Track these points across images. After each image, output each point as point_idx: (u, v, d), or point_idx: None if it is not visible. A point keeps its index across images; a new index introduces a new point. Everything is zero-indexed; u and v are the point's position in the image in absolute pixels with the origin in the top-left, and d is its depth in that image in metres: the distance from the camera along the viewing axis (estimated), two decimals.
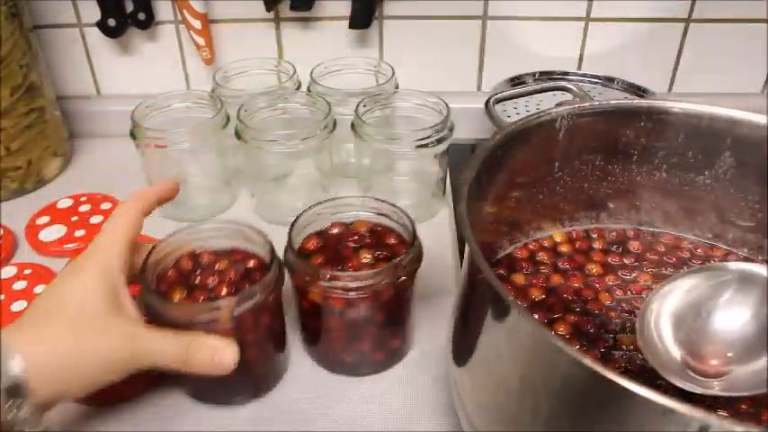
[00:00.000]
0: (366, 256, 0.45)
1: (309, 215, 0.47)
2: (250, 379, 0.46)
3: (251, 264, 0.45)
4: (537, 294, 0.42)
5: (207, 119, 0.61)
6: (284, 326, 0.48)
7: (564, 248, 0.46)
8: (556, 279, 0.43)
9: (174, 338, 0.38)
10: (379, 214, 0.48)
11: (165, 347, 0.37)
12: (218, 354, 0.38)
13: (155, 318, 0.40)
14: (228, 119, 0.62)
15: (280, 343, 0.48)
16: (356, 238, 0.47)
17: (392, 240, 0.47)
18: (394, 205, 0.47)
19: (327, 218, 0.48)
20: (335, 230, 0.48)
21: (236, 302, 0.40)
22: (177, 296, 0.42)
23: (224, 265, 0.45)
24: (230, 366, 0.38)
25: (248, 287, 0.41)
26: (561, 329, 0.40)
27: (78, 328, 0.35)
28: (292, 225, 0.46)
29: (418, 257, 0.45)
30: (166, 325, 0.39)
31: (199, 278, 0.44)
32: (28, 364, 0.33)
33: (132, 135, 0.60)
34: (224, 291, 0.43)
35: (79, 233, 0.61)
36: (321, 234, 0.48)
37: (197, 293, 0.43)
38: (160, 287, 0.43)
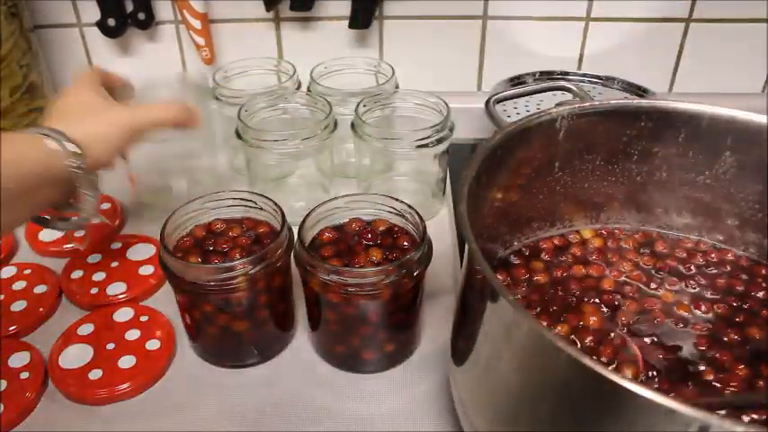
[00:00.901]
0: (375, 255, 0.46)
1: (326, 209, 0.48)
2: (261, 339, 0.49)
3: (261, 230, 0.49)
4: (535, 295, 0.42)
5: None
6: (292, 299, 0.51)
7: (563, 249, 0.46)
8: (555, 279, 0.43)
9: (154, 104, 0.52)
10: (396, 214, 0.49)
11: (151, 107, 0.50)
12: (192, 109, 0.52)
13: (174, 279, 0.45)
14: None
15: (289, 310, 0.50)
16: (370, 236, 0.47)
17: (405, 243, 0.47)
18: (411, 207, 0.48)
19: (345, 213, 0.49)
20: (353, 226, 0.49)
21: (251, 263, 0.44)
22: (193, 261, 0.46)
23: (236, 233, 0.48)
24: (198, 121, 0.52)
25: (260, 251, 0.44)
26: (562, 330, 0.40)
27: (94, 115, 0.47)
28: (307, 216, 0.47)
29: (421, 261, 0.45)
30: (186, 287, 0.45)
31: (213, 245, 0.47)
32: (75, 138, 0.44)
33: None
34: (236, 255, 0.46)
35: (79, 233, 0.61)
36: (338, 228, 0.49)
37: (212, 258, 0.46)
38: (176, 254, 0.46)
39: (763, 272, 0.44)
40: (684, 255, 0.45)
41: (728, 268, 0.45)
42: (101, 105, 0.48)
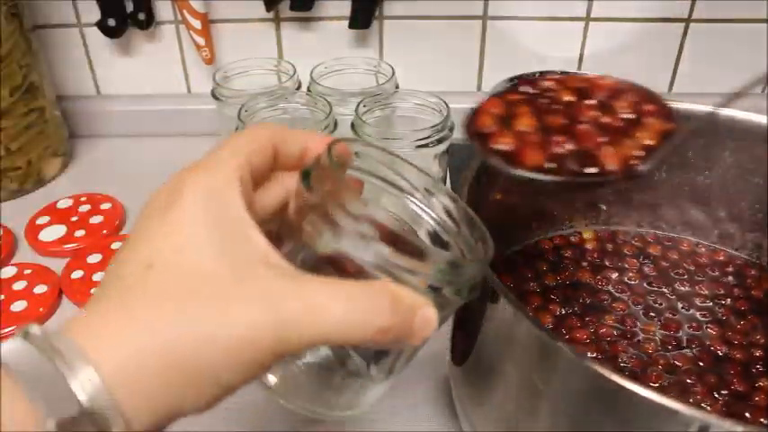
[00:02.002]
0: None
1: None
2: None
3: None
4: (537, 295, 0.42)
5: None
6: None
7: (563, 249, 0.46)
8: (554, 279, 0.43)
9: (366, 290, 0.23)
10: None
11: (354, 305, 0.22)
12: (423, 311, 0.24)
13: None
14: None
15: None
16: None
17: None
18: None
19: None
20: None
21: None
22: None
23: None
24: (433, 330, 0.24)
25: None
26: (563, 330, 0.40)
27: (186, 298, 0.22)
28: None
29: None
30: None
31: None
32: (105, 374, 0.20)
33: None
34: None
35: (79, 233, 0.61)
36: None
37: None
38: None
39: (758, 273, 0.44)
40: (684, 255, 0.45)
41: (730, 269, 0.45)
42: (217, 273, 0.22)
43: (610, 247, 0.46)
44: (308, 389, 0.28)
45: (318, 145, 0.27)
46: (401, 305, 0.23)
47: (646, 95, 0.32)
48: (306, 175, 0.26)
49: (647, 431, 0.25)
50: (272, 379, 0.27)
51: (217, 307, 0.21)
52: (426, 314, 0.23)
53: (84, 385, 0.19)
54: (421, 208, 0.31)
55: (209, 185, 0.24)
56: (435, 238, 0.30)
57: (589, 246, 0.46)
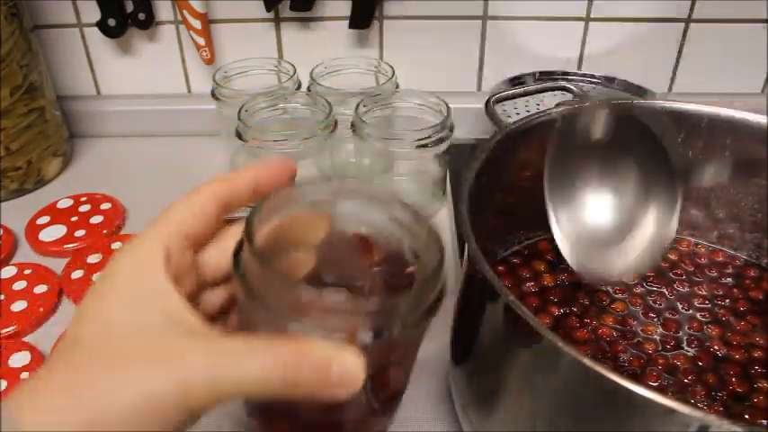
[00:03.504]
0: None
1: None
2: None
3: None
4: (535, 296, 0.42)
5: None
6: None
7: None
8: (553, 279, 0.43)
9: (264, 342, 0.24)
10: None
11: (252, 358, 0.24)
12: (339, 363, 0.24)
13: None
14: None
15: None
16: None
17: None
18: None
19: None
20: None
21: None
22: None
23: None
24: (358, 382, 0.24)
25: None
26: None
27: (101, 368, 0.23)
28: None
29: None
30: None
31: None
32: None
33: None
34: None
35: (79, 233, 0.61)
36: None
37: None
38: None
39: (758, 273, 0.44)
40: (683, 255, 0.45)
41: (730, 269, 0.45)
42: (149, 334, 0.24)
43: None
44: None
45: (266, 174, 0.29)
46: (307, 359, 0.23)
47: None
48: (236, 264, 0.27)
49: (646, 431, 0.25)
50: None
51: (122, 371, 0.23)
52: (344, 367, 0.24)
53: None
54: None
55: (133, 259, 0.27)
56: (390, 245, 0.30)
57: None
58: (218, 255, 0.29)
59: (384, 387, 0.29)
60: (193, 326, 0.25)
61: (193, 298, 0.28)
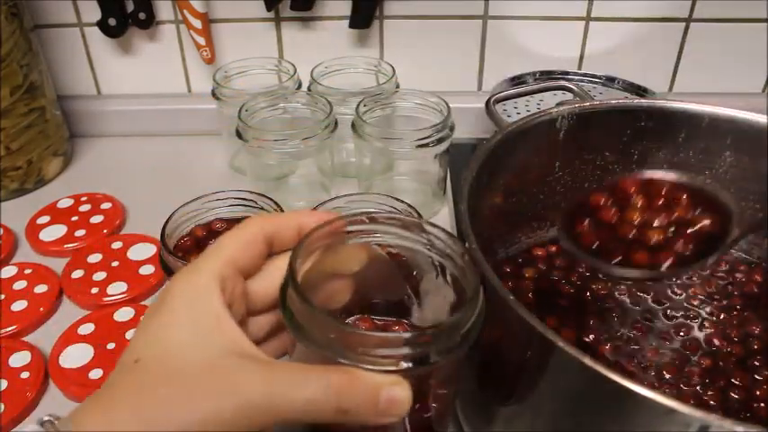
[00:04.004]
0: None
1: (326, 208, 0.48)
2: None
3: None
4: (535, 296, 0.42)
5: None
6: None
7: (564, 249, 0.46)
8: (552, 280, 0.43)
9: (318, 371, 0.26)
10: (397, 213, 0.48)
11: (307, 386, 0.25)
12: (388, 390, 0.26)
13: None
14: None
15: None
16: None
17: None
18: (411, 206, 0.47)
19: (346, 212, 0.48)
20: None
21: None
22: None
23: None
24: (405, 407, 0.26)
25: None
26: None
27: (160, 389, 0.25)
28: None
29: None
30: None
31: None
32: None
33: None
34: None
35: (79, 233, 0.61)
36: None
37: None
38: (177, 254, 0.42)
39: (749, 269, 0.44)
40: None
41: (725, 266, 0.45)
42: (211, 362, 0.26)
43: None
44: None
45: (311, 221, 0.31)
46: (357, 387, 0.25)
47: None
48: (283, 300, 0.28)
49: (646, 431, 0.25)
50: None
51: (183, 392, 0.25)
52: (391, 393, 0.26)
53: None
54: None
55: (191, 287, 0.28)
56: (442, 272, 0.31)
57: None
58: (265, 284, 0.31)
59: (427, 411, 0.31)
60: (248, 350, 0.27)
61: (242, 324, 0.29)
